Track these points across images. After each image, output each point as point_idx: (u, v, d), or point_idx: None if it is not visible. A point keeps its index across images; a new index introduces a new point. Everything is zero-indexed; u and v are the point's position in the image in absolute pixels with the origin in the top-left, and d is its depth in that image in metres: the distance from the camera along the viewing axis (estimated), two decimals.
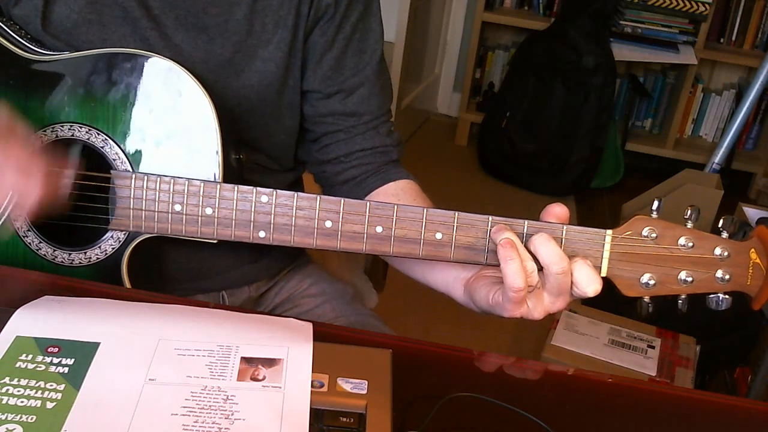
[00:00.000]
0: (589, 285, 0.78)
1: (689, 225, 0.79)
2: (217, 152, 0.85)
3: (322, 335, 0.74)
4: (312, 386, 0.67)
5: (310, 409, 0.65)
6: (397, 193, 1.00)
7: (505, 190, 3.20)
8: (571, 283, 0.78)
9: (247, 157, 0.94)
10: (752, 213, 2.17)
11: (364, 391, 0.68)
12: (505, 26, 3.51)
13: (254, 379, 0.67)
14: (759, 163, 3.44)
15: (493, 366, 0.82)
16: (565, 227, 0.79)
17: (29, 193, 0.77)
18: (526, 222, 0.80)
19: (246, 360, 0.69)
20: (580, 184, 3.19)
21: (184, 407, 0.64)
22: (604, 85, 3.04)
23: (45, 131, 0.85)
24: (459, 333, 2.07)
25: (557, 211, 0.80)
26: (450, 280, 0.89)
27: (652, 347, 1.83)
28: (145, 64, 0.84)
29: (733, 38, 3.38)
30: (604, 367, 1.75)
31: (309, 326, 0.75)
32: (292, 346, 0.71)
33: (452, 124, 3.63)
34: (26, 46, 0.88)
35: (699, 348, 1.87)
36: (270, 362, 0.69)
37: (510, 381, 0.80)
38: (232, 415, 0.63)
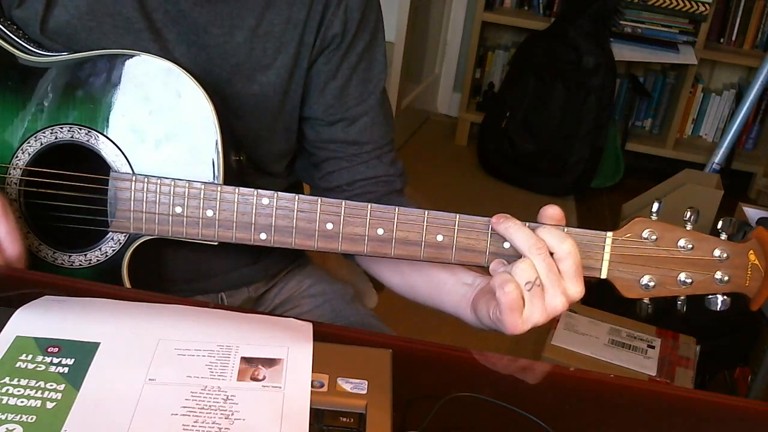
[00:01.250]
0: (562, 243, 0.77)
1: (689, 227, 0.80)
2: (217, 153, 0.85)
3: (322, 335, 0.74)
4: (312, 386, 0.67)
5: (310, 409, 0.65)
6: None
7: (505, 190, 3.20)
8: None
9: (246, 158, 0.94)
10: (752, 213, 2.17)
11: (364, 391, 0.68)
12: (505, 26, 3.51)
13: (254, 379, 0.67)
14: (759, 163, 3.44)
15: (493, 366, 0.82)
16: (565, 230, 0.79)
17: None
18: (526, 225, 0.80)
19: (246, 360, 0.69)
20: (580, 184, 3.19)
21: (184, 407, 0.64)
22: (604, 85, 3.04)
23: (44, 133, 0.85)
24: (459, 333, 2.06)
25: (550, 212, 0.80)
26: (457, 301, 0.88)
27: (652, 347, 1.83)
28: (145, 65, 0.84)
29: (733, 38, 3.38)
30: (604, 367, 1.75)
31: (309, 326, 0.75)
32: (292, 346, 0.71)
33: (452, 124, 3.63)
34: (25, 47, 0.88)
35: (699, 348, 1.87)
36: (270, 362, 0.69)
37: (510, 381, 0.80)
38: (232, 415, 0.63)
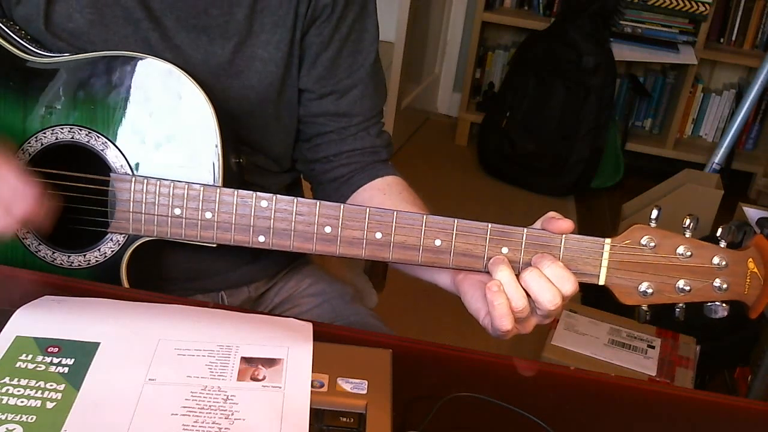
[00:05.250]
0: (567, 284, 0.77)
1: (688, 234, 0.79)
2: (217, 155, 0.85)
3: (322, 335, 0.74)
4: (312, 386, 0.67)
5: (310, 409, 0.65)
6: (383, 188, 1.00)
7: (505, 190, 3.20)
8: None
9: (246, 160, 0.94)
10: (752, 213, 2.17)
11: (364, 391, 0.68)
12: (505, 26, 3.51)
13: (254, 379, 0.67)
14: (759, 163, 3.43)
15: (493, 366, 0.82)
16: (563, 236, 0.79)
17: (16, 210, 0.77)
18: (525, 230, 0.80)
19: (246, 360, 0.69)
20: (580, 184, 3.19)
21: (184, 407, 0.64)
22: (604, 85, 3.04)
23: (45, 133, 0.85)
24: (459, 333, 2.07)
25: (563, 226, 0.79)
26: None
27: (652, 347, 1.83)
28: (145, 66, 0.84)
29: (733, 38, 3.38)
30: (604, 367, 1.75)
31: (309, 326, 0.75)
32: (292, 346, 0.72)
33: (452, 124, 3.63)
34: (26, 47, 0.88)
35: (699, 348, 1.87)
36: (270, 362, 0.69)
37: (510, 381, 0.80)
38: (232, 415, 0.63)
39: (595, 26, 3.03)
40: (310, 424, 0.63)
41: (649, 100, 3.51)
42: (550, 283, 0.77)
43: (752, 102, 2.67)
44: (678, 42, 3.24)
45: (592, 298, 1.98)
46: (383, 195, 0.99)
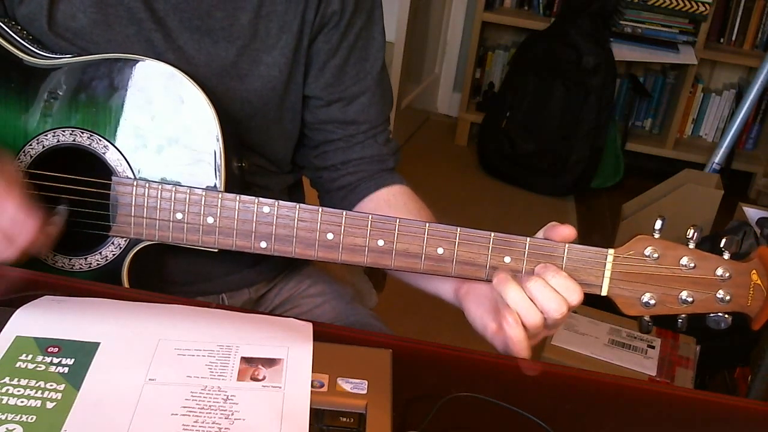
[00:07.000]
0: (572, 294, 0.78)
1: (691, 245, 0.79)
2: (218, 160, 0.85)
3: (322, 335, 0.74)
4: (312, 386, 0.67)
5: (310, 409, 0.65)
6: (389, 199, 1.00)
7: (505, 190, 3.20)
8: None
9: (248, 164, 0.94)
10: (752, 213, 2.17)
11: (364, 391, 0.68)
12: (505, 26, 3.51)
13: (254, 379, 0.67)
14: (759, 163, 3.44)
15: (493, 366, 0.82)
16: (566, 246, 0.79)
17: (18, 241, 0.78)
18: (528, 240, 0.80)
19: (246, 360, 0.69)
20: (580, 184, 3.19)
21: (184, 407, 0.64)
22: (604, 85, 3.04)
23: (46, 136, 0.85)
24: (459, 333, 2.06)
25: (564, 232, 0.80)
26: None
27: (652, 347, 1.83)
28: (148, 69, 0.84)
29: (733, 38, 3.38)
30: (604, 367, 1.75)
31: (309, 326, 0.75)
32: (292, 346, 0.72)
33: (452, 124, 3.63)
34: (28, 48, 0.87)
35: (699, 348, 1.87)
36: (270, 362, 0.69)
37: (510, 381, 0.80)
38: (232, 415, 0.63)
39: (595, 26, 3.03)
40: (310, 424, 0.63)
41: (649, 100, 3.51)
42: (556, 293, 0.78)
43: (752, 102, 2.67)
44: (678, 42, 3.24)
45: (593, 297, 1.98)
46: (388, 207, 0.99)
